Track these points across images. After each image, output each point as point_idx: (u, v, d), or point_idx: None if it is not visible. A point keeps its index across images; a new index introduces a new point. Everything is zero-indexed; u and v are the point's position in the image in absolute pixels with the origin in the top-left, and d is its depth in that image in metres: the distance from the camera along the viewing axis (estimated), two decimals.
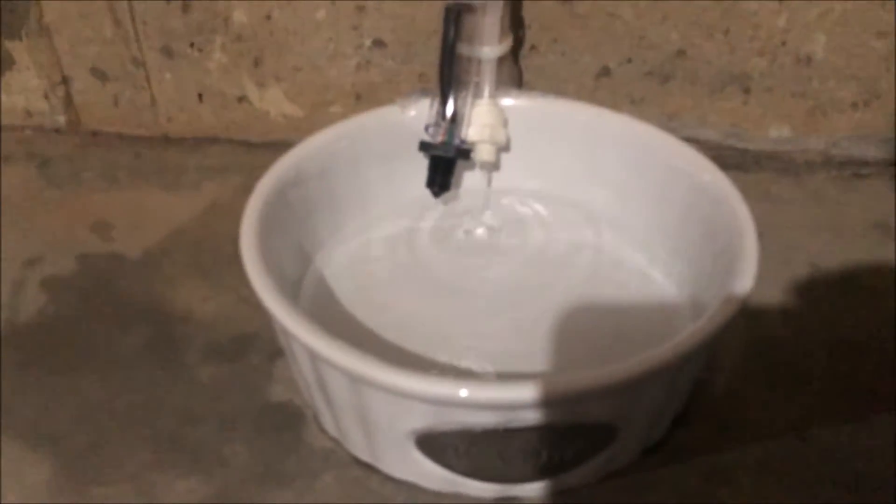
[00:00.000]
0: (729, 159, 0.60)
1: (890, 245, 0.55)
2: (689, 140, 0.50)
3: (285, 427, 0.44)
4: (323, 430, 0.44)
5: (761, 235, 0.42)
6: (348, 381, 0.37)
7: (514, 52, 0.57)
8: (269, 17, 0.59)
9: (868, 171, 0.61)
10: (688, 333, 0.37)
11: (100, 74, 0.64)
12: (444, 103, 0.49)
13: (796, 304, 0.52)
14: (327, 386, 0.39)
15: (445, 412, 0.36)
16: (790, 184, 0.60)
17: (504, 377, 0.43)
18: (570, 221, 0.52)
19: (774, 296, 0.52)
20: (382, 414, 0.38)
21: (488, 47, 0.49)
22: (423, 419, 0.37)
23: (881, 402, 0.46)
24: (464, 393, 0.35)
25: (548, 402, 0.35)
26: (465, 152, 0.50)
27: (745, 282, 0.39)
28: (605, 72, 0.59)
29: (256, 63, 0.61)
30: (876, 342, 0.49)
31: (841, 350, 0.49)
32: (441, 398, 0.35)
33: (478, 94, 0.50)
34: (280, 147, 0.48)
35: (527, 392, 0.34)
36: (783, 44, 0.57)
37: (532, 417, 0.36)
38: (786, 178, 0.60)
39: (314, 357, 0.38)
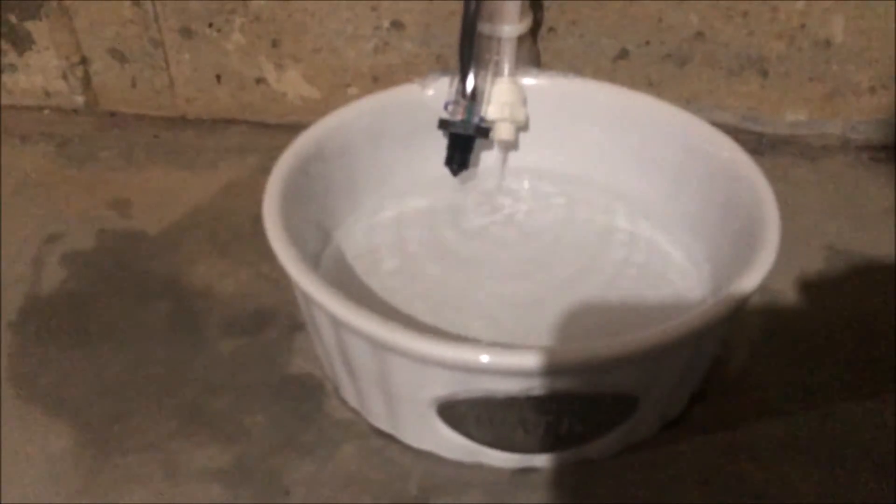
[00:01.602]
0: (746, 143, 0.59)
1: None
2: None
3: (305, 398, 0.45)
4: (343, 401, 0.44)
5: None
6: (371, 348, 0.37)
7: (533, 33, 0.57)
8: None
9: (885, 155, 0.61)
10: (709, 306, 0.38)
11: (118, 55, 0.64)
12: (463, 81, 0.49)
13: (813, 286, 0.52)
14: (349, 354, 0.39)
15: (469, 379, 0.36)
16: (807, 168, 0.60)
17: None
18: (590, 201, 0.52)
19: (792, 277, 0.52)
20: (405, 382, 0.38)
21: (509, 26, 0.49)
22: (446, 387, 0.37)
23: None
24: (486, 359, 0.35)
25: (568, 369, 0.35)
26: (484, 130, 0.50)
27: (766, 256, 0.39)
28: (623, 54, 0.59)
29: (274, 44, 0.62)
30: (892, 322, 0.49)
31: (857, 330, 0.49)
32: (464, 364, 0.35)
33: (497, 73, 0.51)
34: (297, 129, 0.48)
35: (547, 359, 0.35)
36: (802, 27, 0.57)
37: (553, 385, 0.36)
38: (803, 162, 0.60)
39: (338, 325, 0.38)
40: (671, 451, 0.42)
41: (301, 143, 0.46)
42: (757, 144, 0.61)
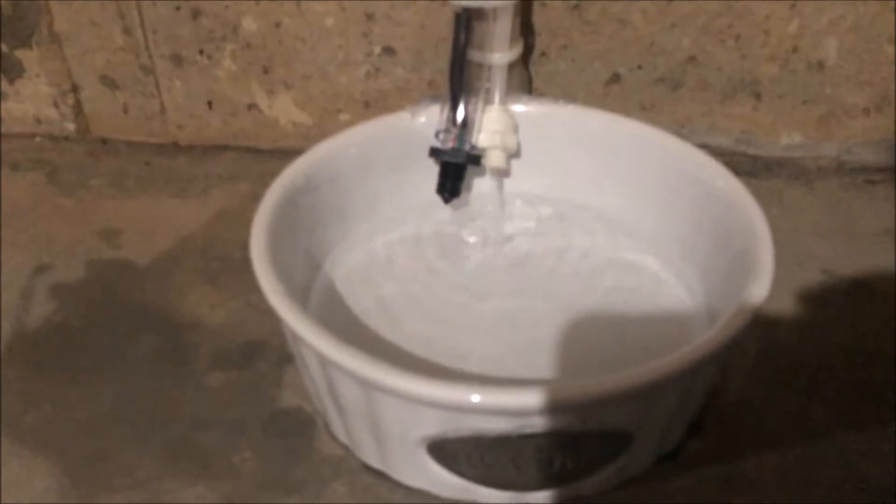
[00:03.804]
0: (740, 166, 0.60)
1: None
2: (700, 147, 0.49)
3: (295, 434, 0.44)
4: (333, 437, 0.44)
5: (773, 242, 0.42)
6: (359, 386, 0.36)
7: (525, 59, 0.57)
8: (278, 25, 0.59)
9: (880, 178, 0.60)
10: (703, 340, 0.37)
11: (109, 82, 0.64)
12: (454, 109, 0.49)
13: (809, 311, 0.51)
14: (338, 392, 0.39)
15: (458, 418, 0.35)
16: (802, 190, 0.60)
17: (516, 383, 0.42)
18: (582, 227, 0.52)
19: (787, 302, 0.51)
20: (394, 420, 0.37)
21: (499, 53, 0.49)
22: (434, 426, 0.36)
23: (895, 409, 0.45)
24: (476, 398, 0.34)
25: (560, 407, 0.34)
26: (475, 158, 0.50)
27: (760, 288, 0.39)
28: (616, 78, 0.59)
29: (266, 70, 0.61)
30: (890, 348, 0.48)
31: (854, 356, 0.48)
32: (453, 404, 0.35)
33: (488, 100, 0.50)
34: (289, 154, 0.48)
35: (539, 398, 0.34)
36: (795, 50, 0.57)
37: (544, 423, 0.35)
38: (798, 185, 0.60)
39: (325, 362, 0.37)
40: (667, 485, 0.42)
41: (290, 174, 0.46)
42: (751, 167, 0.61)
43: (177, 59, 0.62)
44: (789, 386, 0.47)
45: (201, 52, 0.61)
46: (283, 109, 0.63)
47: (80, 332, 0.50)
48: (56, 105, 0.65)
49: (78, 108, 0.65)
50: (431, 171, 0.50)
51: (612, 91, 0.59)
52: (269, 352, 0.49)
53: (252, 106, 0.63)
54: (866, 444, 0.44)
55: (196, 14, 0.59)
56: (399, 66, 0.60)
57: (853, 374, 0.47)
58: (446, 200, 0.51)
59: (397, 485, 0.41)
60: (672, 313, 0.47)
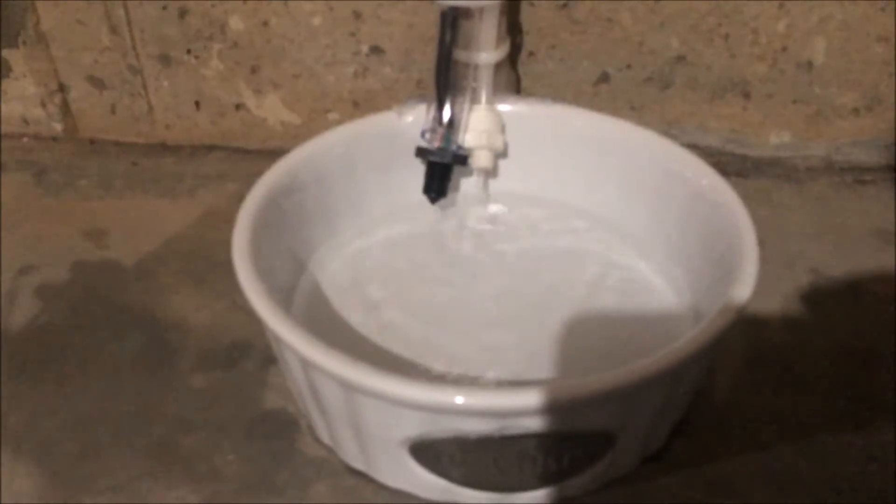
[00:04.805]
0: (729, 165, 0.60)
1: (892, 251, 0.55)
2: (690, 146, 0.49)
3: (278, 435, 0.44)
4: (316, 439, 0.43)
5: (763, 242, 0.42)
6: (340, 388, 0.36)
7: (512, 58, 0.57)
8: (266, 24, 0.59)
9: (870, 177, 0.60)
10: (685, 340, 0.37)
11: (97, 82, 0.64)
12: (440, 109, 0.49)
13: (798, 311, 0.51)
14: (319, 393, 0.38)
15: (439, 419, 0.35)
16: (791, 190, 0.60)
17: (500, 384, 0.42)
18: (568, 227, 0.52)
19: (776, 302, 0.51)
20: (375, 422, 0.37)
21: (485, 53, 0.49)
22: (416, 427, 0.36)
23: (883, 410, 0.45)
24: (458, 400, 0.34)
25: (543, 409, 0.34)
26: (462, 158, 0.50)
27: (744, 288, 0.39)
28: (605, 78, 0.59)
29: (253, 70, 0.61)
30: (878, 349, 0.48)
31: (843, 357, 0.48)
32: (435, 405, 0.34)
33: (475, 100, 0.50)
34: (277, 154, 0.48)
35: (521, 399, 0.34)
36: (784, 49, 0.56)
37: (527, 425, 0.35)
38: (787, 185, 0.60)
39: (306, 364, 0.37)
40: (652, 486, 0.41)
41: (273, 175, 0.46)
42: (741, 167, 0.61)
43: (164, 59, 0.61)
44: (777, 386, 0.46)
45: (189, 51, 0.61)
46: (272, 109, 0.63)
47: (65, 333, 0.50)
48: (43, 105, 0.65)
49: (65, 108, 0.65)
50: (418, 171, 0.50)
51: (600, 91, 0.59)
52: (253, 353, 0.48)
53: (240, 106, 0.63)
54: (854, 445, 0.43)
55: (183, 13, 0.59)
56: (387, 65, 0.59)
57: (841, 375, 0.47)
58: (433, 200, 0.50)
59: (381, 486, 0.41)
60: (659, 313, 0.47)
